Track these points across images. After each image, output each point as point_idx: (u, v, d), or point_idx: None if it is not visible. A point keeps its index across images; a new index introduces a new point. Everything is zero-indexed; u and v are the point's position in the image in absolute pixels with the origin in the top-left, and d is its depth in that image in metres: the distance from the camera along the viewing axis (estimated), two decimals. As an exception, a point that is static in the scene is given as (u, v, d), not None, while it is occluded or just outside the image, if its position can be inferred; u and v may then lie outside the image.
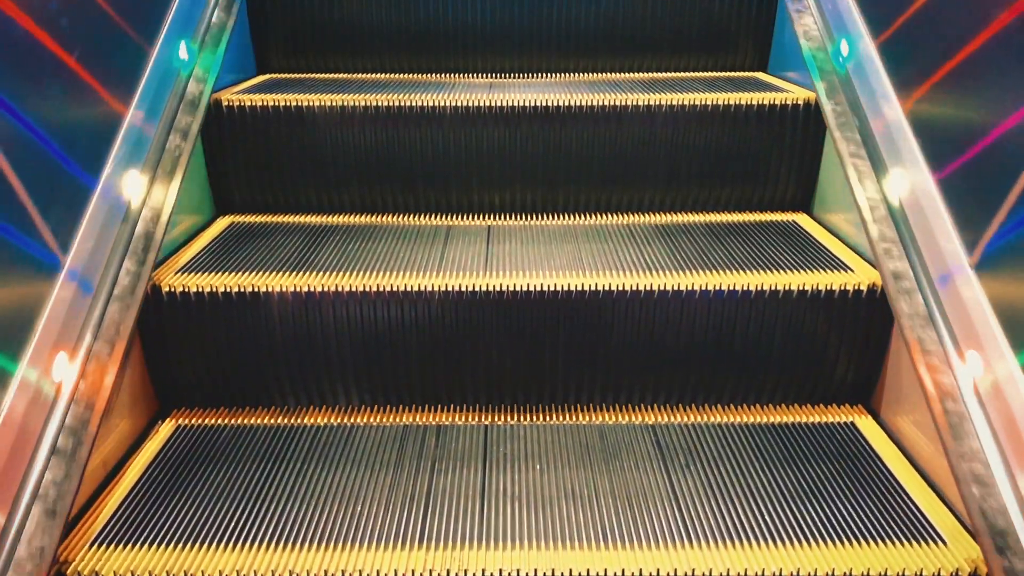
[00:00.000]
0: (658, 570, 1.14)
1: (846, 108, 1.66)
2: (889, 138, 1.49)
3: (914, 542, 1.20)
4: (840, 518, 1.24)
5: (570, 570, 1.15)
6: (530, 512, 1.27)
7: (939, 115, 1.35)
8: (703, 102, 1.82)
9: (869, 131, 1.57)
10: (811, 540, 1.20)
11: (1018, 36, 1.14)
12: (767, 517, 1.25)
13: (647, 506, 1.28)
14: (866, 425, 1.50)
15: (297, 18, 2.24)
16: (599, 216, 1.92)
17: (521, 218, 1.92)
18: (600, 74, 2.29)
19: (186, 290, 1.48)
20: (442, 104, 1.83)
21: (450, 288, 1.49)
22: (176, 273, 1.53)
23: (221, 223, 1.86)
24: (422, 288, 1.49)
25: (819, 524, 1.23)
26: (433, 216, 1.92)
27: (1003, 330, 1.13)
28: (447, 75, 2.29)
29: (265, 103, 1.82)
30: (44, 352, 1.16)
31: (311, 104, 1.83)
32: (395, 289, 1.49)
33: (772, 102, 1.82)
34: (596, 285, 1.49)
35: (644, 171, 1.88)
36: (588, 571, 1.15)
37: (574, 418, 1.54)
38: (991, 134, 1.18)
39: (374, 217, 1.91)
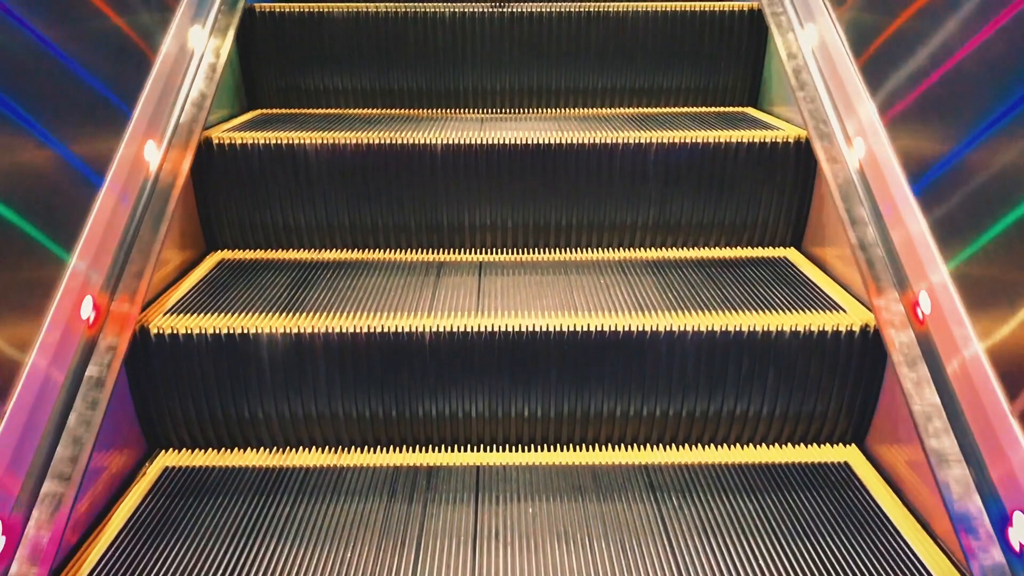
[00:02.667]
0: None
1: (837, 144, 1.67)
2: (878, 172, 1.50)
3: (910, 588, 1.19)
4: (835, 563, 1.23)
5: (563, 620, 1.14)
6: (522, 557, 1.26)
7: (925, 144, 1.36)
8: (694, 140, 1.83)
9: (860, 168, 1.57)
10: (806, 587, 1.19)
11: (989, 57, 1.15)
12: (761, 562, 1.24)
13: (640, 550, 1.27)
14: (860, 465, 1.49)
15: (288, 53, 2.24)
16: (591, 252, 1.91)
17: (513, 253, 1.92)
18: (591, 109, 2.30)
19: (175, 331, 1.47)
20: (434, 142, 1.83)
21: (441, 329, 1.48)
22: (165, 314, 1.52)
23: (211, 260, 1.85)
24: (413, 329, 1.48)
25: (815, 571, 1.22)
26: (425, 252, 1.92)
27: (994, 373, 1.12)
28: (439, 110, 2.29)
29: (256, 141, 1.82)
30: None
31: (302, 142, 1.82)
32: (386, 330, 1.48)
33: (763, 140, 1.82)
34: (588, 326, 1.48)
35: (636, 208, 1.88)
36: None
37: (567, 459, 1.53)
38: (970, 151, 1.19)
39: (365, 253, 1.91)
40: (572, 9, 2.21)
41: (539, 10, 2.21)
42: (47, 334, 1.19)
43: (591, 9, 2.21)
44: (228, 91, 2.12)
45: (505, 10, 2.21)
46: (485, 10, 2.21)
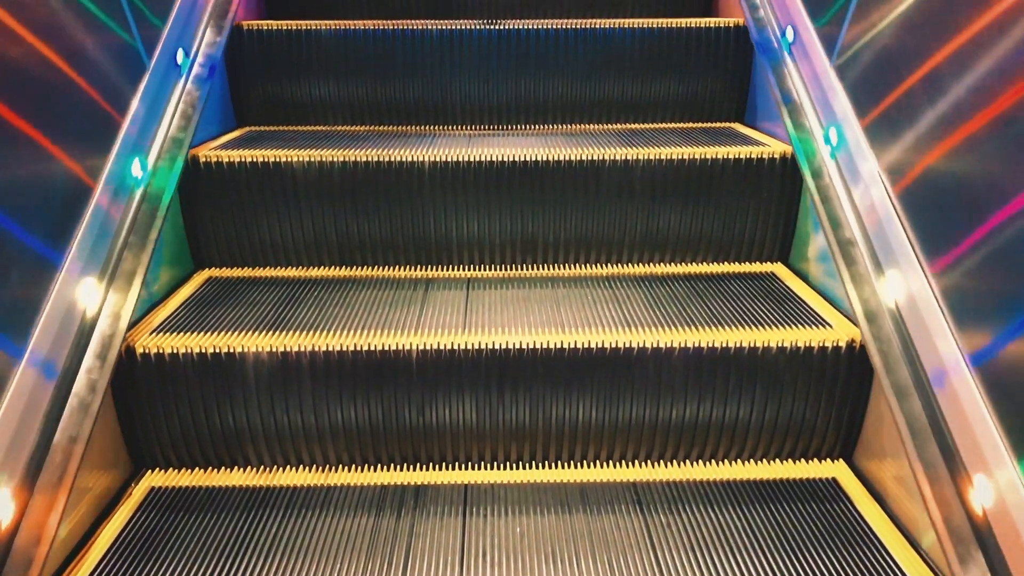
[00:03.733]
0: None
1: (822, 161, 1.67)
2: (865, 190, 1.51)
3: (897, 605, 1.19)
4: (822, 580, 1.24)
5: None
6: (510, 576, 1.26)
7: (913, 163, 1.36)
8: (680, 156, 1.83)
9: (846, 183, 1.58)
10: (794, 604, 1.19)
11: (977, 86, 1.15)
12: (749, 580, 1.24)
13: (628, 568, 1.26)
14: (848, 481, 1.49)
15: (276, 71, 2.24)
16: (578, 268, 1.92)
17: (501, 269, 1.92)
18: (578, 124, 2.31)
19: (160, 351, 1.46)
20: (422, 159, 1.83)
21: (428, 347, 1.48)
22: (151, 333, 1.51)
23: (199, 278, 1.84)
24: (400, 347, 1.48)
25: (801, 587, 1.22)
26: (413, 269, 1.92)
27: (978, 381, 1.13)
28: (428, 126, 2.30)
29: (243, 159, 1.82)
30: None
31: (289, 160, 1.82)
32: (373, 348, 1.48)
33: (749, 156, 1.83)
34: (575, 343, 1.48)
35: (623, 224, 1.89)
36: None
37: (555, 476, 1.53)
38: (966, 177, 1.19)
39: (353, 270, 1.90)
40: (560, 26, 2.22)
41: (527, 27, 2.22)
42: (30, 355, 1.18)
43: (578, 26, 2.22)
44: (215, 109, 2.12)
45: (494, 27, 2.22)
46: (473, 27, 2.22)
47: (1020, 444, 1.03)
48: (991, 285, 1.11)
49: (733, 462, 1.57)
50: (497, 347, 1.49)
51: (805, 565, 1.26)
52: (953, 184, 1.22)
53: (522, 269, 1.92)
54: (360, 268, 1.92)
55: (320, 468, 1.55)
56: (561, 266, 1.93)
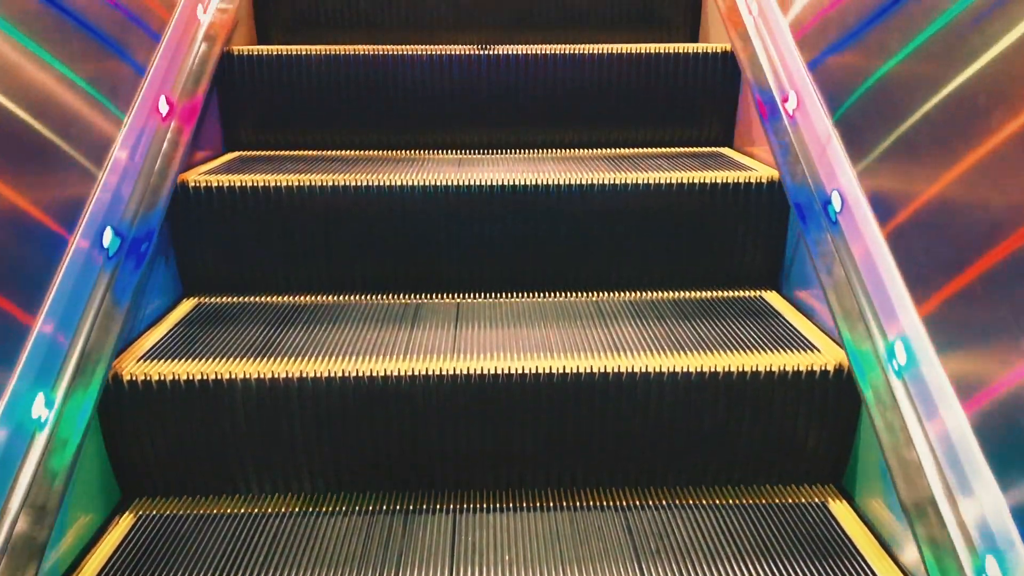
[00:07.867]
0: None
1: (809, 185, 1.68)
2: (849, 213, 1.51)
3: (888, 632, 1.18)
4: (813, 607, 1.23)
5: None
6: (499, 605, 1.25)
7: (895, 187, 1.37)
8: (668, 181, 1.84)
9: (833, 208, 1.59)
10: (784, 632, 1.18)
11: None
12: (739, 607, 1.23)
13: (618, 597, 1.26)
14: (837, 506, 1.49)
15: (267, 94, 2.25)
16: (568, 293, 1.92)
17: (490, 295, 1.92)
18: (568, 150, 2.32)
19: (148, 378, 1.45)
20: (410, 183, 1.84)
21: (417, 372, 1.48)
22: (138, 361, 1.50)
23: (187, 304, 1.84)
24: (389, 372, 1.48)
25: (792, 614, 1.22)
26: (401, 295, 1.92)
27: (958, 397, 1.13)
28: (417, 151, 2.31)
29: (232, 184, 1.82)
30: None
31: (278, 184, 1.82)
32: (361, 374, 1.47)
33: (737, 180, 1.84)
34: (565, 368, 1.48)
35: (613, 250, 1.89)
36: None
37: (544, 503, 1.52)
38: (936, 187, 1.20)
39: (342, 296, 1.90)
40: (549, 51, 2.23)
41: (517, 52, 2.23)
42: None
43: (567, 51, 2.23)
44: (206, 132, 2.13)
45: (485, 52, 2.24)
46: (465, 53, 2.24)
47: (1009, 484, 1.03)
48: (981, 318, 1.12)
49: (724, 487, 1.56)
50: (486, 373, 1.48)
51: (795, 592, 1.26)
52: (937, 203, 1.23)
53: (512, 295, 1.92)
54: (349, 294, 1.91)
55: (309, 496, 1.54)
56: (552, 292, 1.93)
